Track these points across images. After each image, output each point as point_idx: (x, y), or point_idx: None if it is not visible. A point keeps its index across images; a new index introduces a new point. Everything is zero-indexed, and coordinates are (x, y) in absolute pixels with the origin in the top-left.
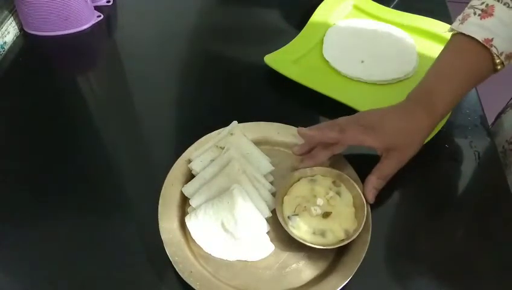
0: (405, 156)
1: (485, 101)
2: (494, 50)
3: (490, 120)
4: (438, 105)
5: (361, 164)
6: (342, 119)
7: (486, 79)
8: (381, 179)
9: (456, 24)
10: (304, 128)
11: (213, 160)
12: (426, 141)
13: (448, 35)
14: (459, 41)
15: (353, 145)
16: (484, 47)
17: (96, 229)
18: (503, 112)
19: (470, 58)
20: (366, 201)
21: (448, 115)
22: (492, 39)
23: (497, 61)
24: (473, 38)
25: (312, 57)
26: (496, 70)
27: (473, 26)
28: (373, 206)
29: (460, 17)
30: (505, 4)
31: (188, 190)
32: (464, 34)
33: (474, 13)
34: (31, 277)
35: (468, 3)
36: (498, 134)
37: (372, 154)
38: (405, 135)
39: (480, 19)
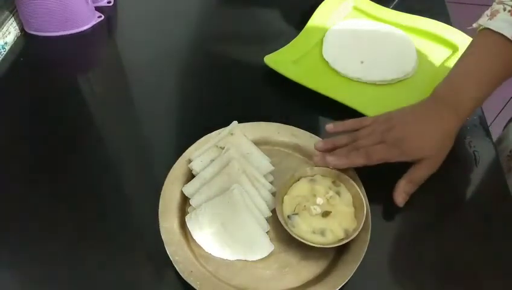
0: (437, 162)
1: (485, 101)
2: None
3: (489, 120)
4: (465, 103)
5: None
6: (365, 136)
7: None
8: (412, 184)
9: (483, 20)
10: (322, 144)
11: (213, 160)
12: None
13: (449, 36)
14: (487, 37)
15: None
16: None
17: (96, 229)
18: None
19: (497, 54)
20: (396, 203)
21: None
22: None
23: None
24: (501, 34)
25: (312, 57)
26: None
27: (502, 22)
28: (372, 206)
29: (488, 12)
30: None
31: (188, 189)
32: (491, 30)
33: (504, 9)
34: (31, 277)
35: (468, 3)
36: (506, 139)
37: None
38: (433, 143)
39: (511, 15)
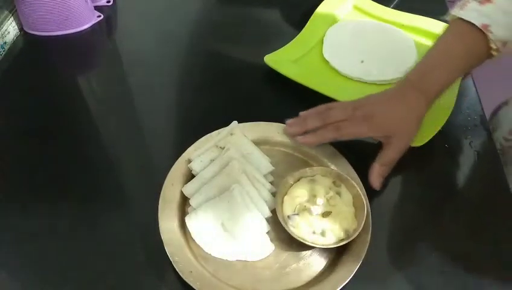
0: (405, 142)
1: (485, 100)
2: (490, 35)
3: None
4: (432, 86)
5: (360, 163)
6: (335, 111)
7: (482, 66)
8: (385, 166)
9: (456, 10)
10: (294, 128)
11: (213, 160)
12: (426, 141)
13: None
14: (458, 26)
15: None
16: (481, 32)
17: (96, 229)
18: (499, 108)
19: (466, 42)
20: (373, 188)
21: (449, 114)
22: (489, 25)
23: (494, 47)
24: (471, 23)
25: (312, 57)
26: (491, 56)
27: (472, 11)
28: (373, 206)
29: (460, 3)
30: None
31: (188, 189)
32: (462, 20)
33: None
34: (31, 277)
35: None
36: (494, 131)
37: (372, 153)
38: (400, 121)
39: (480, 4)
